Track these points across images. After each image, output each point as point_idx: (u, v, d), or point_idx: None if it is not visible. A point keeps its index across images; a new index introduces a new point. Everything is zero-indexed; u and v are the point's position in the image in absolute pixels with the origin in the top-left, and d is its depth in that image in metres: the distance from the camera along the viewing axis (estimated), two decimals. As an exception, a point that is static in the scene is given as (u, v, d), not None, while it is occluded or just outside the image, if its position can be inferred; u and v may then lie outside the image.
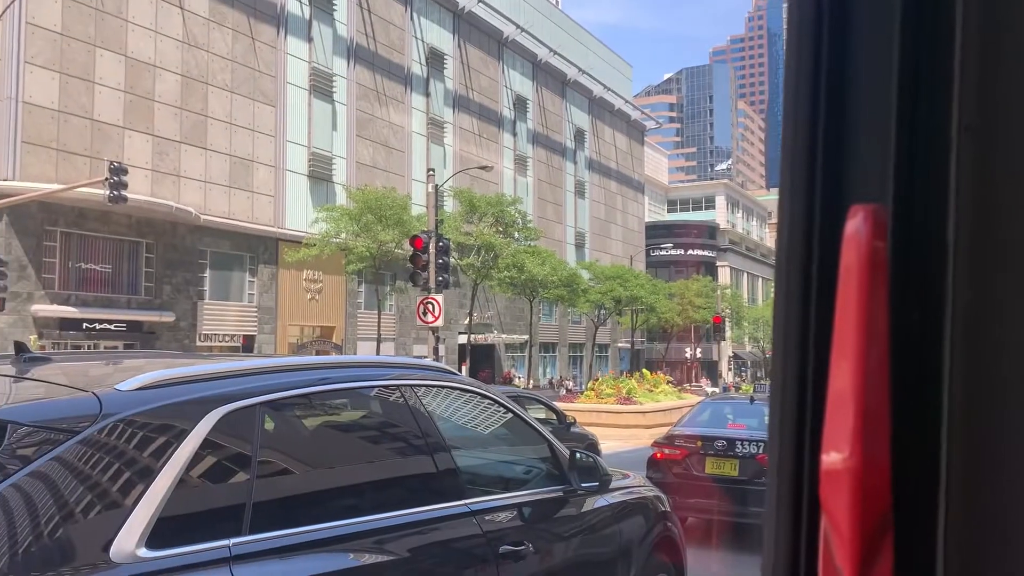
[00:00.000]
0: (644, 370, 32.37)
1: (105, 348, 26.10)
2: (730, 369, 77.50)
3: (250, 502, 2.41)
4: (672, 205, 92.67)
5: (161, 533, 2.15)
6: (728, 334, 68.35)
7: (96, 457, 2.14)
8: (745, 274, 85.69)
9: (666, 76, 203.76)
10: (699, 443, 8.95)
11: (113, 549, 2.05)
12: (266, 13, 33.64)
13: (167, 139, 29.48)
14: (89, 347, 26.02)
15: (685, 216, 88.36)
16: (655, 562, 4.30)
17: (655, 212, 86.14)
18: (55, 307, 25.90)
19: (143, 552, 2.09)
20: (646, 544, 4.25)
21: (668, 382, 29.80)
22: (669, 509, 4.69)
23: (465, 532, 3.10)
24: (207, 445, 2.37)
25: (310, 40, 35.78)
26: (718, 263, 79.61)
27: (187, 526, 2.25)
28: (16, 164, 24.97)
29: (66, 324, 26.16)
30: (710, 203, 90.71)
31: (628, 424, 22.13)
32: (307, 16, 35.68)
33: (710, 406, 10.37)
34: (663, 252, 73.83)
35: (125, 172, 21.43)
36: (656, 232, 75.98)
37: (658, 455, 9.30)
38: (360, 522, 2.71)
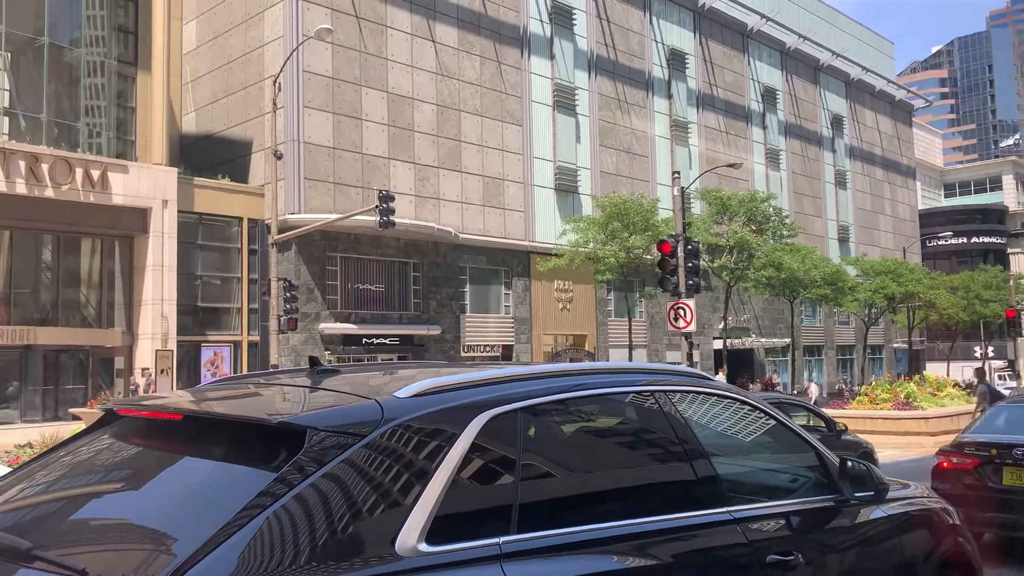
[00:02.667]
0: (925, 372, 29.58)
1: (382, 360, 28.49)
2: (1030, 369, 68.48)
3: (516, 503, 2.51)
4: (949, 189, 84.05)
5: (438, 530, 2.29)
6: (1025, 329, 60.48)
7: (379, 459, 2.34)
8: (1043, 261, 75.52)
9: (934, 49, 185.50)
10: (994, 451, 8.00)
11: (398, 543, 2.21)
12: (510, 36, 35.13)
13: (426, 165, 31.70)
14: (368, 360, 28.56)
15: (966, 200, 79.79)
16: (945, 580, 3.91)
17: (929, 198, 78.64)
18: (338, 325, 28.71)
19: (423, 547, 2.24)
20: (933, 560, 3.87)
21: (954, 385, 26.94)
22: (959, 523, 4.24)
23: (729, 540, 3.01)
24: (475, 448, 2.50)
25: (552, 57, 36.82)
26: (1009, 250, 70.96)
27: (461, 524, 2.37)
28: (301, 198, 28.09)
29: (348, 340, 28.90)
30: (995, 184, 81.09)
31: (908, 431, 20.37)
32: (548, 34, 36.78)
33: (1007, 410, 9.20)
34: (941, 242, 67.19)
35: (392, 199, 23.32)
36: (932, 220, 69.33)
37: (945, 464, 8.43)
38: (622, 525, 2.72)
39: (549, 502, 2.66)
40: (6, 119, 25.84)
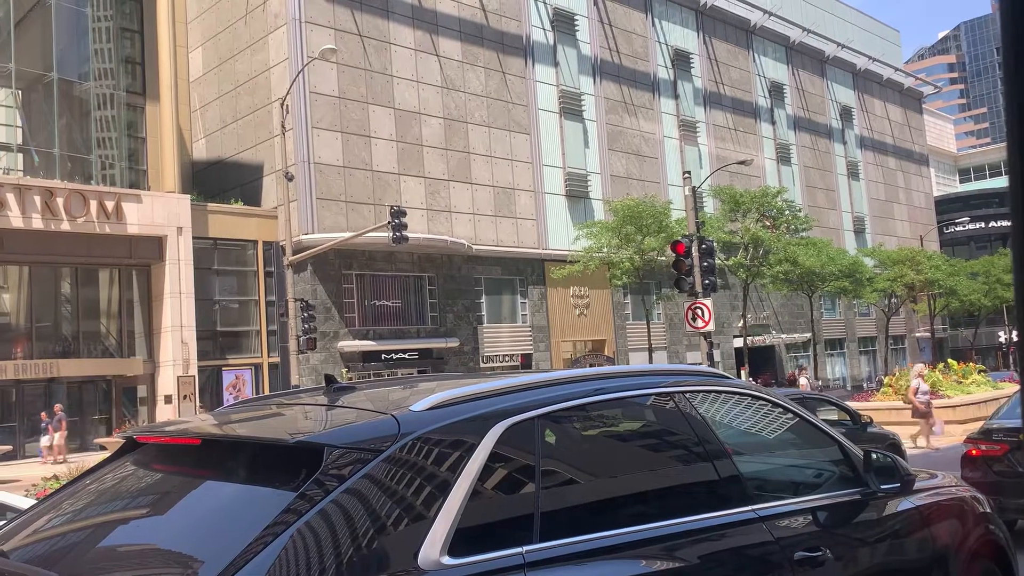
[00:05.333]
0: (950, 360, 29.25)
1: (401, 375, 28.47)
2: (1057, 351, 67.56)
3: (537, 511, 2.50)
4: (964, 174, 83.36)
5: (460, 542, 2.28)
6: (1050, 312, 59.69)
7: (399, 473, 2.34)
8: (1064, 241, 74.61)
9: (940, 35, 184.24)
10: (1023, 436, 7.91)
11: (420, 557, 2.20)
12: (513, 46, 35.22)
13: (437, 179, 31.79)
14: (388, 375, 28.59)
15: (982, 184, 79.06)
16: (978, 569, 3.85)
17: (945, 185, 78.03)
18: (357, 342, 28.79)
19: (446, 560, 2.23)
20: (965, 550, 3.82)
21: (980, 371, 26.60)
22: (990, 511, 4.18)
23: (755, 539, 2.98)
24: (494, 458, 2.50)
25: (556, 64, 36.89)
26: (1029, 232, 70.13)
27: (482, 535, 2.36)
28: (314, 218, 28.23)
29: (368, 356, 28.97)
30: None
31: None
32: (551, 41, 36.85)
33: (1033, 394, 9.08)
34: (959, 228, 66.54)
35: (404, 214, 23.40)
36: (949, 206, 68.77)
37: (974, 452, 8.34)
38: (646, 529, 2.70)
39: (571, 509, 2.64)
40: (20, 155, 26.18)
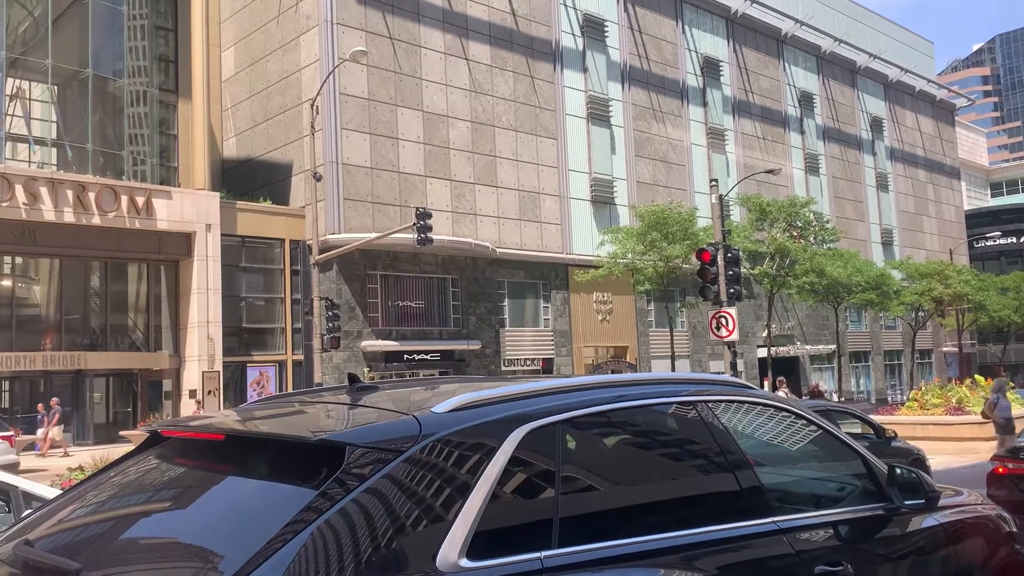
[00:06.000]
0: (977, 376, 28.84)
1: (423, 376, 28.58)
2: (1088, 370, 66.36)
3: (557, 517, 2.49)
4: (996, 188, 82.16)
5: (479, 545, 2.27)
6: (1082, 330, 58.73)
7: (419, 474, 2.33)
8: (1098, 259, 73.29)
9: (975, 47, 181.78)
10: (1052, 456, 7.77)
11: (439, 559, 2.20)
12: (542, 51, 35.25)
13: (462, 182, 31.87)
14: (410, 375, 28.68)
15: (1014, 199, 77.86)
16: (1003, 590, 3.78)
17: (976, 198, 76.96)
18: (380, 342, 28.90)
19: (464, 562, 2.22)
20: (989, 569, 3.75)
21: (1009, 388, 26.18)
22: (1016, 530, 4.11)
23: (776, 551, 2.95)
24: (514, 462, 2.48)
25: (584, 70, 36.86)
26: (1061, 248, 69.04)
27: (501, 538, 2.35)
28: (340, 219, 28.41)
29: (390, 357, 29.07)
30: (1044, 181, 79.11)
31: (961, 437, 19.87)
32: (580, 47, 36.84)
33: (1063, 413, 8.95)
34: (990, 242, 65.59)
35: (429, 216, 23.48)
36: (979, 220, 67.79)
37: (1000, 470, 8.21)
38: (665, 538, 2.68)
39: (590, 515, 2.63)
40: (54, 150, 26.60)
